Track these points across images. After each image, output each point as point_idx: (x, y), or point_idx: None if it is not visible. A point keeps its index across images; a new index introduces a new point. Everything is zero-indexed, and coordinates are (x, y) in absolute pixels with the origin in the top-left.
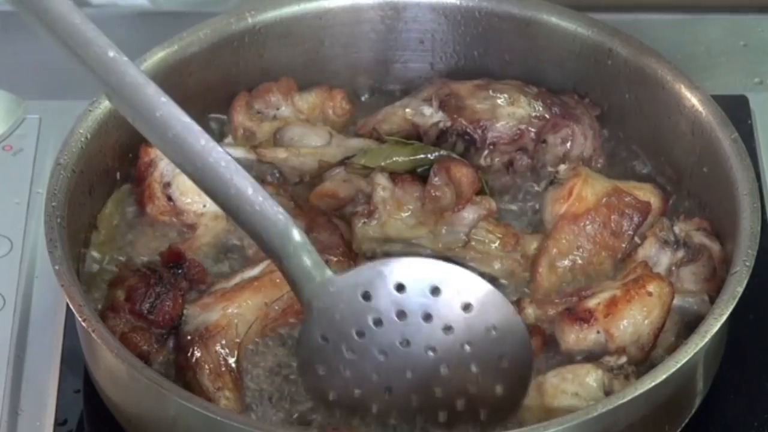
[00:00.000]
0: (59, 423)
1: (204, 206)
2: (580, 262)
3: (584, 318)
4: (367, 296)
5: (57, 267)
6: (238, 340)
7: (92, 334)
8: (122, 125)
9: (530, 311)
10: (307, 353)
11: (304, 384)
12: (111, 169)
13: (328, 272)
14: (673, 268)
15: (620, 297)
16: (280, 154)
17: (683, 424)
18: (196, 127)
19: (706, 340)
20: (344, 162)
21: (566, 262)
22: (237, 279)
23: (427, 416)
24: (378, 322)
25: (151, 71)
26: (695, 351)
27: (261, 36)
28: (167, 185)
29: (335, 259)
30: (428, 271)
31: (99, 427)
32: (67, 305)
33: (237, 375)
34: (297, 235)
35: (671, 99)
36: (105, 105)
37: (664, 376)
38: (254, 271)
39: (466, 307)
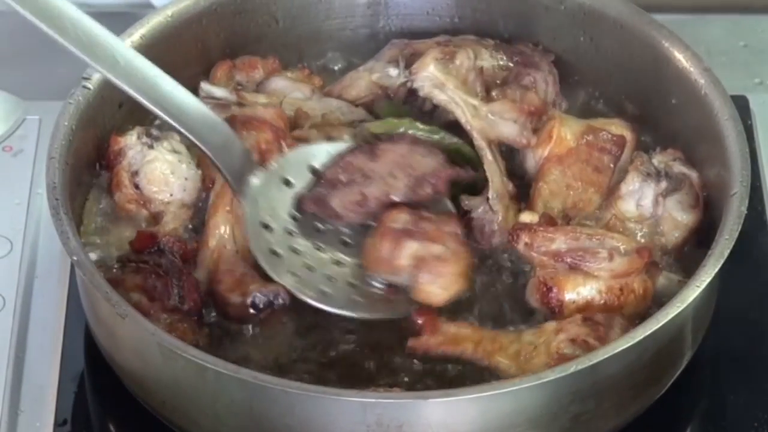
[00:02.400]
0: (59, 423)
1: (170, 195)
2: (571, 200)
3: (553, 307)
4: (287, 183)
5: (75, 258)
6: (235, 252)
7: (125, 320)
8: (99, 116)
9: (522, 241)
10: (258, 242)
11: (266, 267)
12: (92, 161)
13: (255, 164)
14: (660, 198)
15: (595, 304)
16: (261, 99)
17: (676, 375)
18: None
19: (723, 260)
20: (355, 124)
21: (558, 203)
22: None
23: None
24: None
25: None
26: (713, 275)
27: (217, 15)
28: (135, 174)
29: None
30: (334, 152)
31: (100, 427)
32: (67, 305)
33: (256, 273)
34: (229, 132)
35: (633, 37)
36: (83, 96)
37: (673, 314)
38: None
39: None
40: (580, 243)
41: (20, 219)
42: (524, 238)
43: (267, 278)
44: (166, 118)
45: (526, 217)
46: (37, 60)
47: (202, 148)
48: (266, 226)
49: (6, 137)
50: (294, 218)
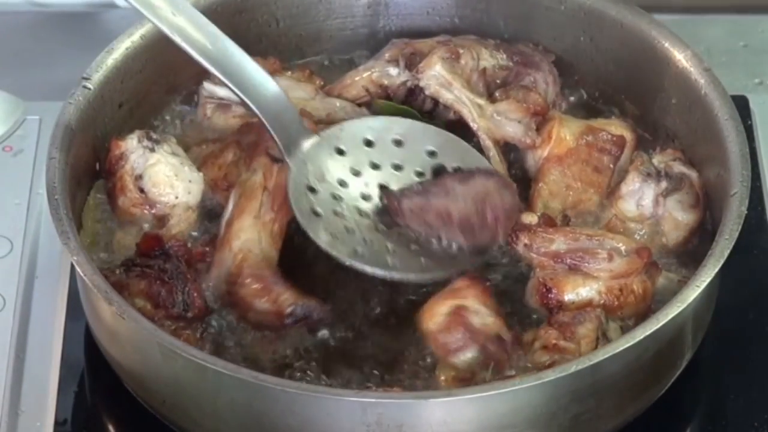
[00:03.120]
0: (59, 423)
1: (176, 198)
2: (571, 200)
3: (552, 308)
4: (340, 152)
5: (75, 258)
6: (261, 258)
7: (125, 319)
8: (99, 116)
9: (521, 242)
10: (300, 202)
11: (305, 227)
12: (92, 161)
13: (309, 131)
14: (660, 198)
15: (595, 304)
16: None
17: (676, 375)
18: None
19: (723, 260)
20: None
21: (557, 204)
22: (222, 226)
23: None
24: (356, 173)
25: (119, 59)
26: (713, 275)
27: (218, 15)
28: (139, 177)
29: None
30: (392, 126)
31: (100, 427)
32: (67, 305)
33: (284, 281)
34: (283, 97)
35: (633, 37)
36: (83, 96)
37: (673, 314)
38: (229, 208)
39: (431, 154)
40: (579, 244)
41: (20, 219)
42: (523, 239)
43: (296, 287)
44: (221, 76)
45: (526, 217)
46: (37, 60)
47: (254, 109)
48: (312, 189)
49: (6, 137)
50: (342, 184)
